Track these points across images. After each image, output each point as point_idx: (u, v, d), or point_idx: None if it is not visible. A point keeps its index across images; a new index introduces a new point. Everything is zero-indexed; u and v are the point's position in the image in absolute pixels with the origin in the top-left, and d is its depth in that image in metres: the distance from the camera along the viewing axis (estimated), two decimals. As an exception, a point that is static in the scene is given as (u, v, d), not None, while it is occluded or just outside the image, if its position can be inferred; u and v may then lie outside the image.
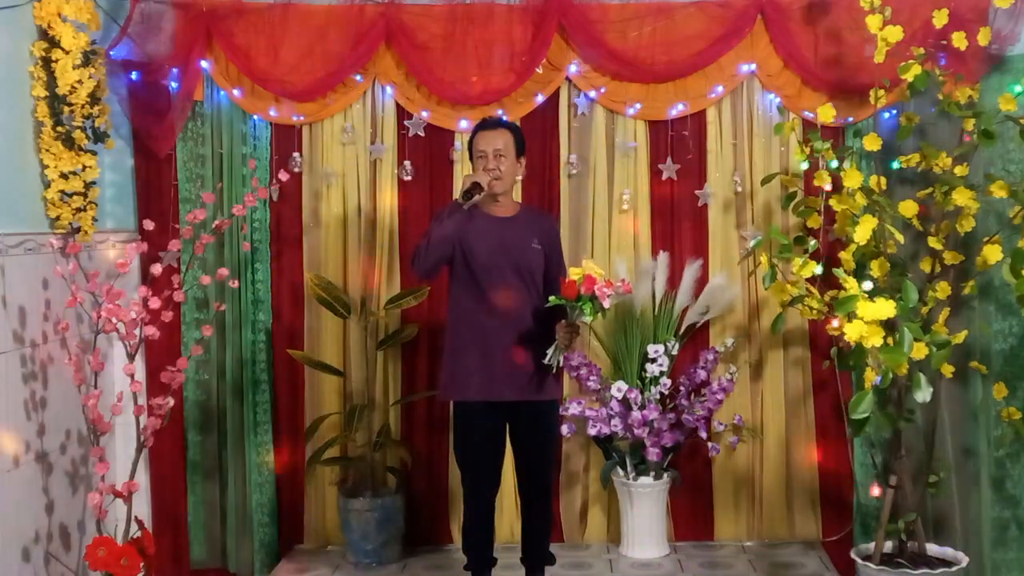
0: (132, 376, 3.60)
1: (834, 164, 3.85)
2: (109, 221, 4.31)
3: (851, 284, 3.30)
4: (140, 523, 3.67)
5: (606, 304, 3.32)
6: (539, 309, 3.53)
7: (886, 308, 3.16)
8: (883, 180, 3.89)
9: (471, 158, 3.66)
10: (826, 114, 3.87)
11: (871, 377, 3.33)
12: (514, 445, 3.69)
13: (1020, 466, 4.09)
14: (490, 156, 3.56)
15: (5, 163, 3.60)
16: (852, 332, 3.19)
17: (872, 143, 3.78)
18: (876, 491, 4.06)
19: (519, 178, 4.15)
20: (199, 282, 3.99)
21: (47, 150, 3.79)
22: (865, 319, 3.16)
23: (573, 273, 3.37)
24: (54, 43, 3.77)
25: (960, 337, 3.70)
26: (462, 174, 4.38)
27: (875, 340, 3.17)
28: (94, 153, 3.95)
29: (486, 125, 3.67)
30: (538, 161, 4.45)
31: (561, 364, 3.57)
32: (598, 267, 3.40)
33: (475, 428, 3.58)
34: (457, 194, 3.61)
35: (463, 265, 3.56)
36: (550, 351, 3.46)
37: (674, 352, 4.40)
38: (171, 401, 3.69)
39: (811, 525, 4.51)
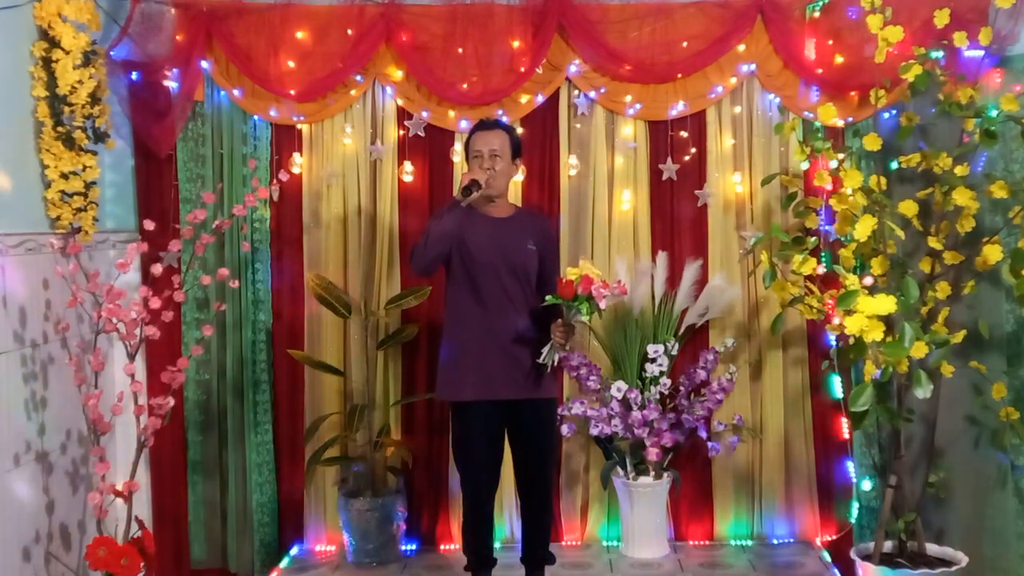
0: (132, 376, 3.61)
1: (834, 164, 3.85)
2: (109, 221, 4.31)
3: (851, 280, 3.30)
4: (140, 523, 3.67)
5: (602, 305, 3.35)
6: (534, 309, 3.54)
7: (887, 304, 3.17)
8: (883, 180, 3.89)
9: (467, 158, 3.68)
10: (826, 114, 3.87)
11: (871, 370, 3.33)
12: (513, 444, 3.69)
13: (1019, 464, 4.09)
14: (485, 156, 3.58)
15: (5, 163, 3.60)
16: (853, 325, 3.21)
17: (872, 143, 3.78)
18: None
19: (517, 179, 4.15)
20: (199, 282, 4.00)
21: (47, 150, 3.78)
22: (866, 313, 3.17)
23: (570, 273, 3.39)
24: (54, 43, 3.77)
25: (959, 337, 3.70)
26: (462, 174, 4.38)
27: (875, 334, 3.19)
28: (94, 153, 3.95)
29: (483, 126, 3.69)
30: (538, 161, 4.45)
31: (555, 363, 3.56)
32: (595, 267, 3.42)
33: (474, 428, 3.58)
34: (456, 192, 3.62)
35: (459, 265, 3.57)
36: (545, 350, 3.48)
37: (674, 352, 4.40)
38: (171, 401, 3.69)
39: (811, 525, 4.51)
